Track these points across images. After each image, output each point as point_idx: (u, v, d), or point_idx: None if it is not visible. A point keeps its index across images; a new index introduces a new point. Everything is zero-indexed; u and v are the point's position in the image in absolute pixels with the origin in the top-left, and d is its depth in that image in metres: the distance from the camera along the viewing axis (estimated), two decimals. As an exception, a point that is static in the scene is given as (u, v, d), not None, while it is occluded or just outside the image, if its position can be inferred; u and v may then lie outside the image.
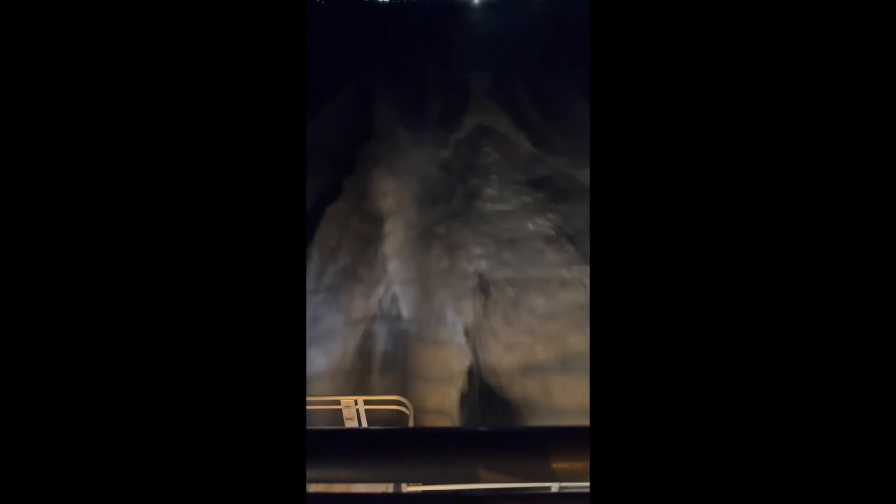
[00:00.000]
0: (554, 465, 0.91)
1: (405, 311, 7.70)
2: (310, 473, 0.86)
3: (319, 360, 6.83)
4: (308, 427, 0.89)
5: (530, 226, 9.27)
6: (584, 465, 0.93)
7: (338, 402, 3.91)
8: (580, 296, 7.66)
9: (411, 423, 3.84)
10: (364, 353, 7.02)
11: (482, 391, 6.42)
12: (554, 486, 1.05)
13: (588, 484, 0.86)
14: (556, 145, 11.10)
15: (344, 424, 4.02)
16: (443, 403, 6.22)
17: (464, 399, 6.30)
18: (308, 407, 3.95)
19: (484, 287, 8.05)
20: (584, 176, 9.91)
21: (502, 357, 6.84)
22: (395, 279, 8.26)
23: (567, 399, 6.16)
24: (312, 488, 0.92)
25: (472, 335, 7.19)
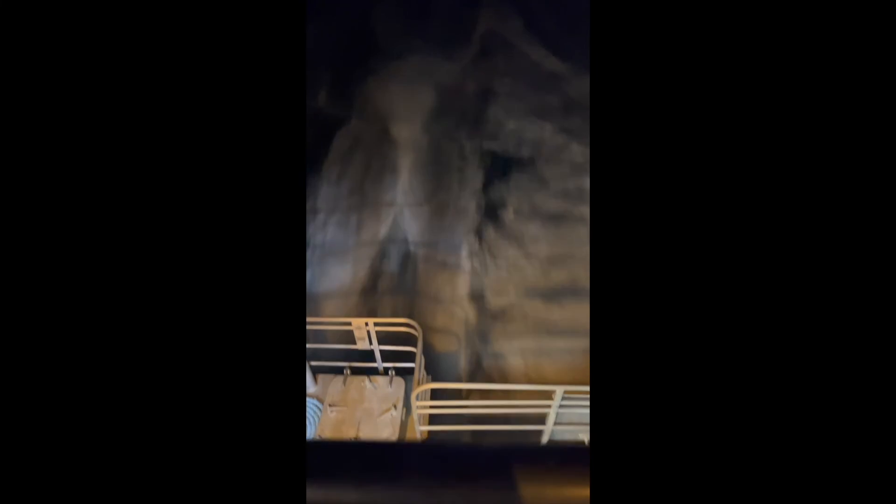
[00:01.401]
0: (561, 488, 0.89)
1: (414, 233, 7.77)
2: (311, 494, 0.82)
3: (330, 280, 7.01)
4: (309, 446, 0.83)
5: (544, 146, 9.09)
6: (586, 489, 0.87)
7: (349, 324, 4.08)
8: (588, 221, 7.66)
9: (419, 344, 4.01)
10: (374, 274, 7.17)
11: (488, 312, 6.61)
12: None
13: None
14: (572, 54, 10.58)
15: (355, 344, 4.21)
16: (450, 324, 6.44)
17: (470, 320, 6.51)
18: (320, 328, 4.12)
19: (493, 209, 8.05)
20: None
21: (509, 279, 6.98)
22: (405, 202, 8.27)
23: (570, 320, 6.35)
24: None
25: (480, 257, 7.29)
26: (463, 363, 6.03)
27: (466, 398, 4.73)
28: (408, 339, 4.22)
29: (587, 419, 3.88)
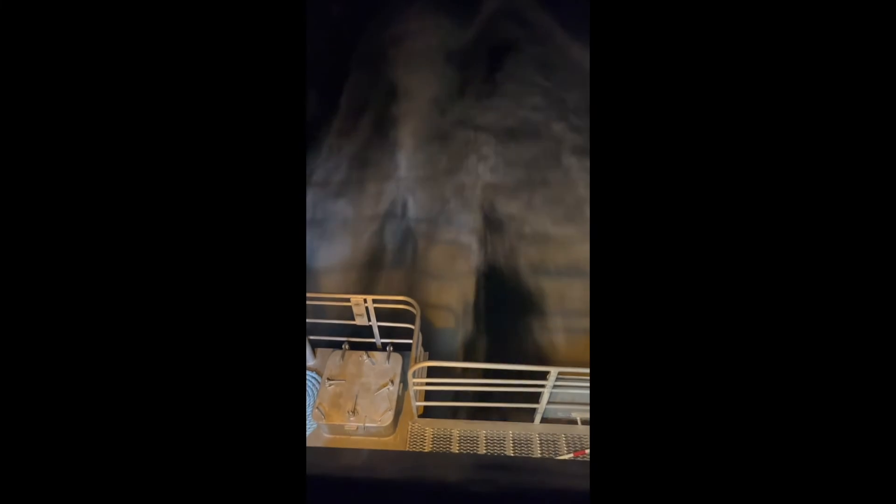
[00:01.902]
0: None
1: (415, 209, 7.76)
2: None
3: (330, 255, 7.02)
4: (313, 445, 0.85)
5: (549, 125, 9.04)
6: None
7: (347, 300, 4.11)
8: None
9: (417, 321, 4.05)
10: (374, 249, 7.18)
11: (488, 290, 6.64)
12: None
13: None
14: (581, 29, 10.45)
15: (354, 320, 4.25)
16: (449, 300, 6.47)
17: (468, 297, 6.54)
18: (320, 303, 4.15)
19: (495, 186, 8.03)
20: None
21: (509, 256, 6.99)
22: (406, 177, 8.24)
23: (573, 300, 6.38)
24: None
25: (481, 234, 7.30)
26: (460, 340, 6.09)
27: (463, 375, 4.79)
28: (406, 316, 4.25)
29: (580, 399, 3.94)
